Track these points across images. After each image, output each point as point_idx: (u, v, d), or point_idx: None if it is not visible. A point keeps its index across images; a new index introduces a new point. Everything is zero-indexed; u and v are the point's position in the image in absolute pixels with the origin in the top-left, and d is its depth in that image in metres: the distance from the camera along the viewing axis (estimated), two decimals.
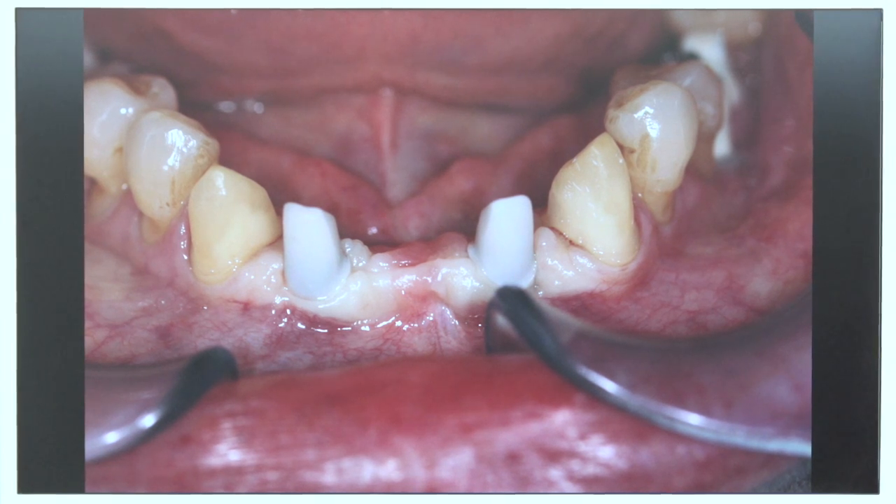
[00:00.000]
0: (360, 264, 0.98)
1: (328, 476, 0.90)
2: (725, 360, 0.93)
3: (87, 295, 0.98)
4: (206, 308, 0.98)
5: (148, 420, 0.90)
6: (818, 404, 0.93)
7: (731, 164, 1.08)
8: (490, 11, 1.01)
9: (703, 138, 1.04)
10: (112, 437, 0.91)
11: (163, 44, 1.05)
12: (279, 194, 1.02)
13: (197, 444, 0.91)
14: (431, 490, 0.90)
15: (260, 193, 0.98)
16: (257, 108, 1.11)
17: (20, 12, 0.94)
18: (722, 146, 1.09)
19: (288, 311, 0.98)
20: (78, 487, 0.93)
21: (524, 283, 0.98)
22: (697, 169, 1.04)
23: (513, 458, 0.90)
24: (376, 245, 1.00)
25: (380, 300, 0.98)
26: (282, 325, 0.98)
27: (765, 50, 1.08)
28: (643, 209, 0.99)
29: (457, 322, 0.98)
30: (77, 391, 0.94)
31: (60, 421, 0.94)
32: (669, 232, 1.02)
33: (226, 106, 1.11)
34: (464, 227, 1.03)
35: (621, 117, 0.98)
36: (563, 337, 0.93)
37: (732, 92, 1.10)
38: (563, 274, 0.98)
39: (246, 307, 0.98)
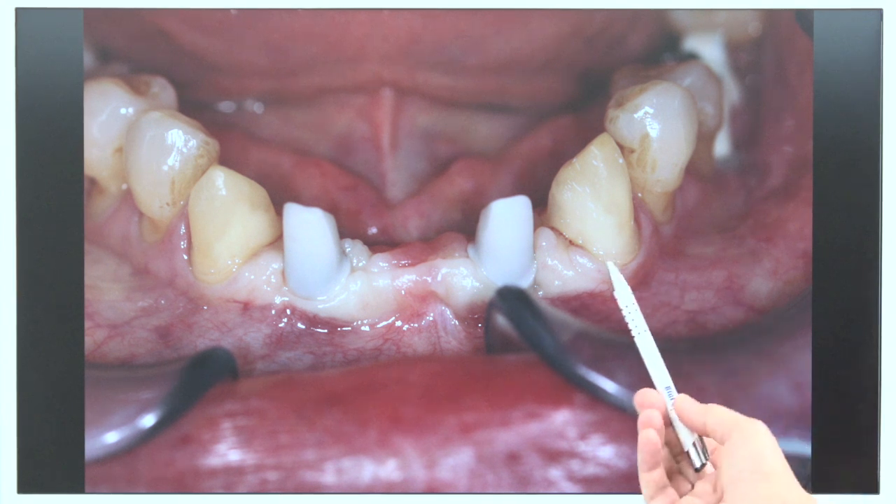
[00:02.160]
0: (360, 264, 0.98)
1: (328, 476, 0.90)
2: (725, 360, 0.93)
3: (87, 295, 0.98)
4: (206, 308, 0.98)
5: (148, 420, 0.90)
6: (818, 404, 0.93)
7: (731, 164, 1.08)
8: (490, 11, 1.01)
9: (703, 138, 1.04)
10: (112, 437, 0.91)
11: (163, 44, 1.05)
12: (279, 194, 1.02)
13: (197, 444, 0.91)
14: (431, 490, 0.90)
15: (260, 193, 0.98)
16: (257, 108, 1.11)
17: (20, 12, 0.94)
18: (722, 146, 1.09)
19: (288, 311, 0.98)
20: (78, 487, 0.93)
21: (524, 283, 0.98)
22: (697, 169, 1.04)
23: (513, 458, 0.90)
24: (376, 245, 1.00)
25: (380, 300, 0.98)
26: (282, 325, 0.98)
27: (765, 50, 1.08)
28: (643, 209, 0.99)
29: (457, 322, 0.98)
30: (77, 391, 0.94)
31: (60, 421, 0.94)
32: (669, 232, 1.02)
33: (226, 106, 1.11)
34: (464, 227, 1.03)
35: (621, 117, 0.98)
36: (563, 337, 0.93)
37: (732, 92, 1.10)
38: (563, 274, 0.98)
39: (246, 307, 0.98)
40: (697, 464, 0.81)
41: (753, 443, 0.78)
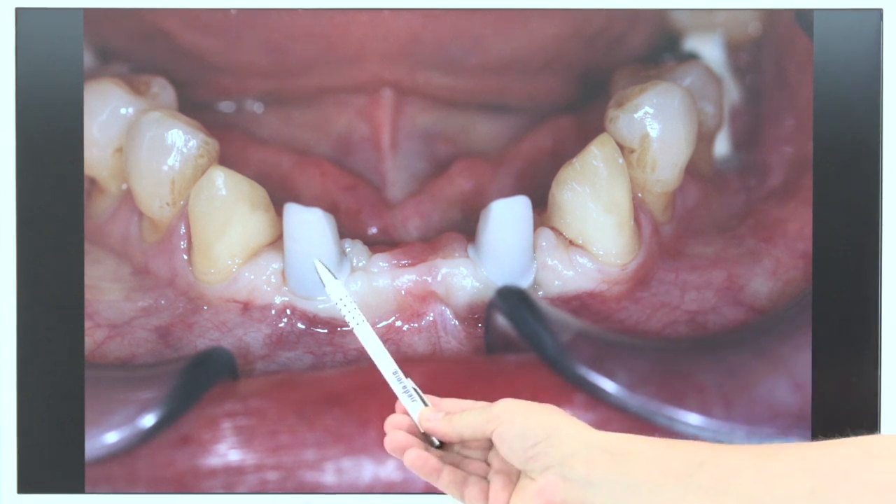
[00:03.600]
0: (360, 264, 0.98)
1: (328, 476, 0.90)
2: (725, 360, 0.93)
3: (87, 295, 0.98)
4: (206, 308, 0.98)
5: (148, 420, 0.90)
6: (818, 404, 0.93)
7: (731, 164, 1.08)
8: (490, 11, 1.01)
9: (703, 138, 1.04)
10: (112, 437, 0.91)
11: (163, 44, 1.05)
12: (279, 194, 1.02)
13: (197, 444, 0.91)
14: (431, 490, 0.90)
15: (260, 193, 0.98)
16: (257, 108, 1.11)
17: (20, 12, 0.94)
18: (722, 146, 1.08)
19: (288, 311, 0.98)
20: (78, 487, 0.93)
21: (524, 283, 0.98)
22: (697, 169, 1.04)
23: None
24: (376, 245, 1.00)
25: (380, 300, 0.98)
26: (282, 325, 0.98)
27: (765, 50, 1.08)
28: (643, 209, 0.99)
29: (457, 322, 0.98)
30: (77, 391, 0.94)
31: (60, 421, 0.94)
32: (669, 232, 1.02)
33: (226, 106, 1.11)
34: (464, 227, 1.03)
35: (621, 117, 0.98)
36: (563, 337, 0.93)
37: (732, 92, 1.10)
38: (563, 274, 0.98)
39: (246, 307, 0.98)
40: (437, 441, 0.80)
41: (508, 439, 0.76)
